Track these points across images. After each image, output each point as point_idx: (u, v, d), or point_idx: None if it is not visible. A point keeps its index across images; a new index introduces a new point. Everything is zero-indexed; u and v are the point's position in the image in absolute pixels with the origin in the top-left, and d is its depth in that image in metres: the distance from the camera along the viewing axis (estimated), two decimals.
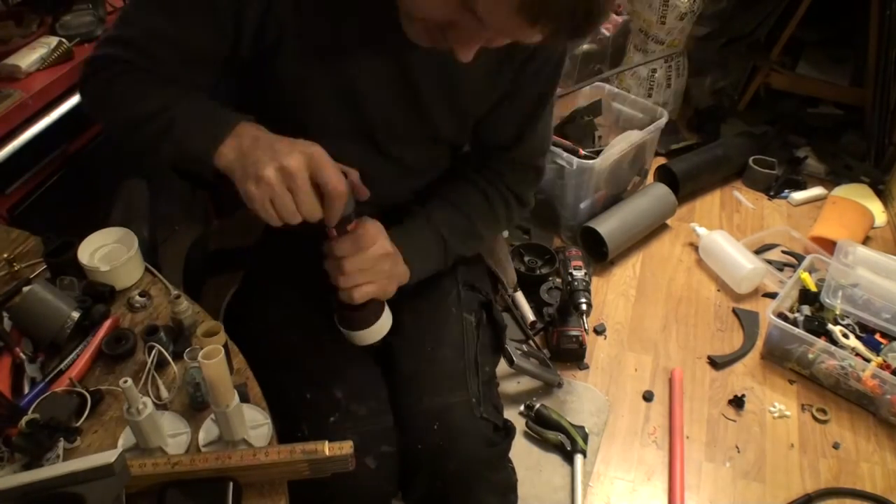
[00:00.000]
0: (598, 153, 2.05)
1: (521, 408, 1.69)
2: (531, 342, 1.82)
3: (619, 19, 2.59)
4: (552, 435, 1.63)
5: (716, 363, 1.86)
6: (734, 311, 2.01)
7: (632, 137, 2.11)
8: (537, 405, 1.67)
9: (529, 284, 1.99)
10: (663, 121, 2.18)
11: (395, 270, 0.96)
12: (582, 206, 2.14)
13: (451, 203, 1.05)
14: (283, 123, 0.87)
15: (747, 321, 1.97)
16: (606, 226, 2.09)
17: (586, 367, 1.84)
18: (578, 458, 1.60)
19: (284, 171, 0.76)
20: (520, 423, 1.67)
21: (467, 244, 1.08)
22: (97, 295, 0.90)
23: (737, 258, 2.06)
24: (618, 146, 2.08)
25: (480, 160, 1.09)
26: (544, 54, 0.95)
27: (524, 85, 0.97)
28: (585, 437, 1.63)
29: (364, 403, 0.98)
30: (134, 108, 0.85)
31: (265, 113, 0.88)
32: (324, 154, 0.79)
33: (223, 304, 1.05)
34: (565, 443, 1.62)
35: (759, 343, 1.91)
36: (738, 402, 1.75)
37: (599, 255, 2.12)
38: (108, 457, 0.63)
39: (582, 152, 2.08)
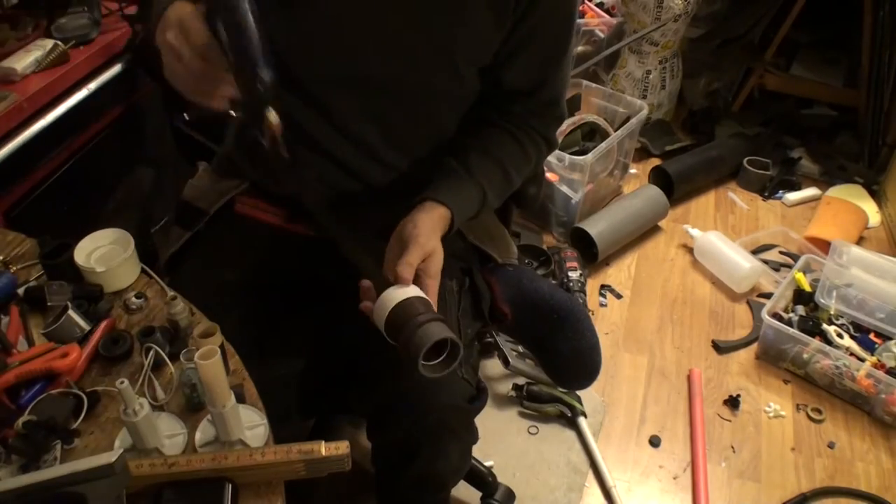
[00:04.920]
0: (584, 150, 2.09)
1: (511, 391, 1.70)
2: None
3: (614, 21, 2.59)
4: (550, 407, 1.65)
5: (719, 347, 1.89)
6: (748, 302, 2.04)
7: (616, 132, 2.16)
8: (524, 384, 1.68)
9: None
10: (643, 114, 2.25)
11: None
12: (573, 201, 2.16)
13: (484, 152, 1.03)
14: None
15: (756, 310, 1.98)
16: (596, 227, 2.11)
17: None
18: (581, 420, 1.64)
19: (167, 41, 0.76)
20: (514, 409, 1.69)
21: (502, 194, 1.08)
22: (87, 296, 0.90)
23: (735, 258, 2.07)
24: (603, 141, 2.12)
25: (503, 107, 1.07)
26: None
27: (538, 25, 0.96)
28: (580, 401, 1.66)
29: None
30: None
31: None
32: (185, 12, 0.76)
33: (166, 256, 1.11)
34: (565, 411, 1.64)
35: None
36: (733, 403, 1.75)
37: (590, 255, 2.13)
38: (109, 457, 0.64)
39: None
